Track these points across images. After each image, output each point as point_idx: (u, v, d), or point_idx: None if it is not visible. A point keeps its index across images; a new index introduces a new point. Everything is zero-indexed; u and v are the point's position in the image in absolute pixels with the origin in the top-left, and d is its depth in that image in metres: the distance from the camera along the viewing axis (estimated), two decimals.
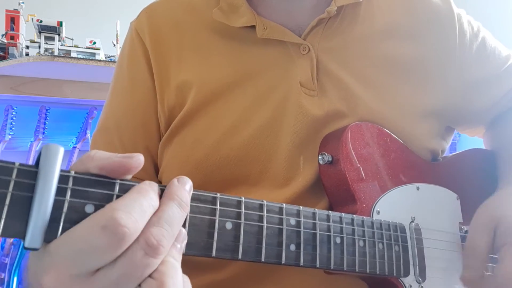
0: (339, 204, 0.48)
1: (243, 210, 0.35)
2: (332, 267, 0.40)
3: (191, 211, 0.32)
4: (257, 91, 0.52)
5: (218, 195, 0.34)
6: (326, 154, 0.48)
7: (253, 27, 0.53)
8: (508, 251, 0.47)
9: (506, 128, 0.64)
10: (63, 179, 0.27)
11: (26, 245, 0.25)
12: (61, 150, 0.27)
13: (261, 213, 0.36)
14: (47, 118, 1.68)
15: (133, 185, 0.29)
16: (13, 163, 0.26)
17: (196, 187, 0.52)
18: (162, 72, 0.55)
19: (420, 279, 0.48)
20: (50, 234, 0.26)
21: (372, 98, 0.53)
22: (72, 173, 0.28)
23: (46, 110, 1.65)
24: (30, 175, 0.26)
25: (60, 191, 0.27)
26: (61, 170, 0.27)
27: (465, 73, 0.60)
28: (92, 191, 0.28)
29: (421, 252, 0.48)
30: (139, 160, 0.29)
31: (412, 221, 0.49)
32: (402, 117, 0.55)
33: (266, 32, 0.53)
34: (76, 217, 0.27)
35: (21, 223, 0.25)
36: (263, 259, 0.35)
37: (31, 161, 1.56)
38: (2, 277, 1.44)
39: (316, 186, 0.50)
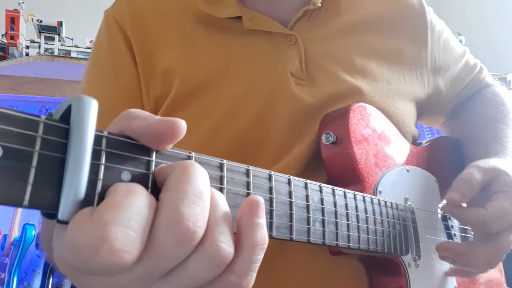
0: (342, 184, 0.47)
1: (273, 184, 0.32)
2: (351, 245, 0.38)
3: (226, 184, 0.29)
4: (246, 81, 0.51)
5: (250, 167, 0.31)
6: (331, 133, 0.46)
7: (239, 18, 0.52)
8: (504, 195, 0.47)
9: (473, 115, 0.68)
10: (96, 139, 0.22)
11: (60, 217, 0.20)
12: (95, 104, 0.22)
13: (290, 188, 0.33)
14: None
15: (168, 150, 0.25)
16: (39, 116, 0.20)
17: None
18: (147, 60, 0.52)
19: (416, 257, 0.48)
20: (86, 204, 0.21)
21: (360, 83, 0.54)
22: (105, 133, 0.23)
23: (46, 110, 1.62)
24: (61, 133, 0.21)
25: (96, 154, 0.22)
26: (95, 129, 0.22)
27: (435, 63, 0.63)
28: (128, 155, 0.23)
29: (416, 231, 0.49)
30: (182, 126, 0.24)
31: (406, 201, 0.50)
32: (389, 100, 0.56)
33: (253, 23, 0.52)
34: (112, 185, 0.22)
35: (52, 190, 0.20)
36: (294, 238, 0.32)
37: None
38: (2, 277, 1.40)
39: (311, 164, 0.49)
